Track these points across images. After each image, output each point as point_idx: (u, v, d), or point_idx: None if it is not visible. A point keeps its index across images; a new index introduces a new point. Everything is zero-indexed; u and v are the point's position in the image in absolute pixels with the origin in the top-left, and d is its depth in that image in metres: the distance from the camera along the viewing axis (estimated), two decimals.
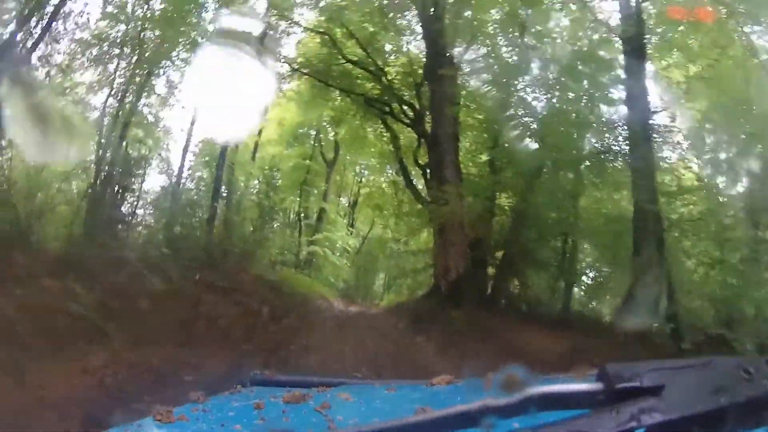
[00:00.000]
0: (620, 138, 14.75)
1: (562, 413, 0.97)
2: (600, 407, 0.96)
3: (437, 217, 13.96)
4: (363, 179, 31.80)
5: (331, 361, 9.97)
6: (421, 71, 17.87)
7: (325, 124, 26.95)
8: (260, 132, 26.75)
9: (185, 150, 21.70)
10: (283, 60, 20.93)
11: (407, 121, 18.87)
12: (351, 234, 29.95)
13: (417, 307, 15.62)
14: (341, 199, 31.89)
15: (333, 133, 27.66)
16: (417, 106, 18.23)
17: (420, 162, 18.84)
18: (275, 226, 23.85)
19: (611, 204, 15.46)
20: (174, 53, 20.61)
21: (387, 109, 19.04)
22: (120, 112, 18.88)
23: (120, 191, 18.11)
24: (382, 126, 20.64)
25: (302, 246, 26.17)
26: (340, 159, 30.43)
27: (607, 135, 15.09)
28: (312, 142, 29.13)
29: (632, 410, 0.92)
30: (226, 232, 19.50)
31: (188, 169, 21.29)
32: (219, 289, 11.76)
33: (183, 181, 21.38)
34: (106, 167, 17.77)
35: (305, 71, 20.58)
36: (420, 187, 19.27)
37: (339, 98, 21.12)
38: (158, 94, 20.43)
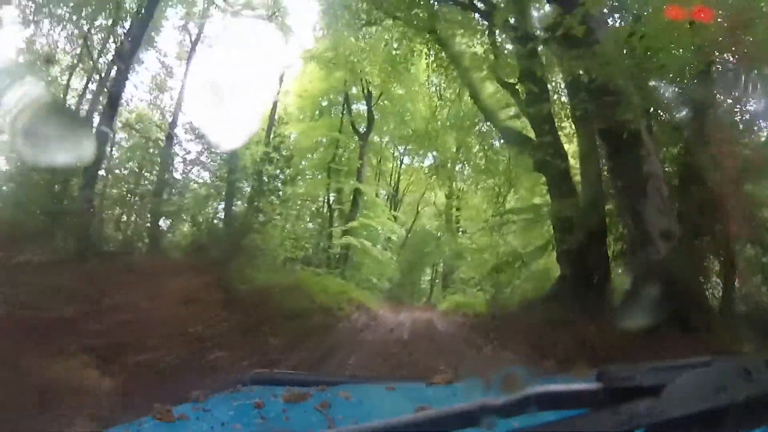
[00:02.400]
0: None
1: (562, 413, 0.88)
2: (600, 407, 0.88)
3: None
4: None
5: None
6: None
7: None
8: (274, 107, 18.65)
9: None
10: None
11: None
12: (395, 220, 21.85)
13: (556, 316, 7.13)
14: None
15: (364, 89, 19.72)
16: None
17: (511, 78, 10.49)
18: (287, 213, 15.94)
19: None
20: None
21: None
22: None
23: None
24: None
25: (334, 238, 18.11)
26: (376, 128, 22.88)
27: None
28: (341, 112, 21.26)
29: (632, 410, 0.85)
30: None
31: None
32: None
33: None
34: None
35: None
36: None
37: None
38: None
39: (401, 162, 27.03)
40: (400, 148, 26.00)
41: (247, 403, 1.49)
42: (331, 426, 1.30)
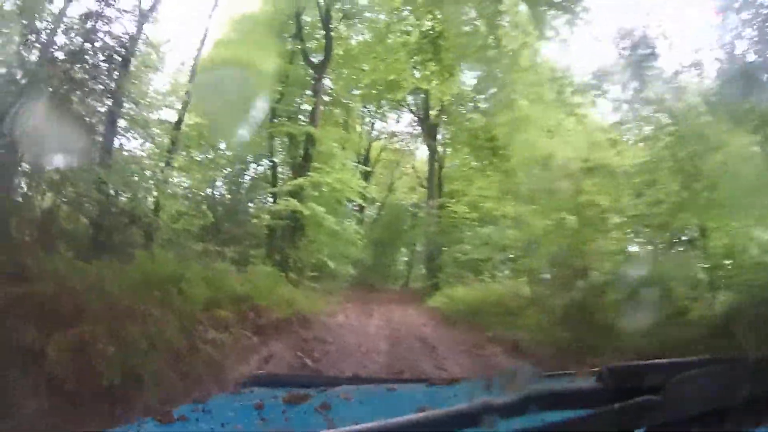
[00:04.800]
0: None
1: (563, 413, 0.84)
2: (600, 407, 0.82)
3: None
4: None
5: None
6: None
7: None
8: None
9: None
10: None
11: None
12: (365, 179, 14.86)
13: None
14: None
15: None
16: None
17: None
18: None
19: None
20: None
21: None
22: None
23: None
24: None
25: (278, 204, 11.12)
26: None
27: None
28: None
29: (632, 410, 0.80)
30: None
31: None
32: None
33: None
34: None
35: None
36: None
37: None
38: None
39: (372, 124, 20.70)
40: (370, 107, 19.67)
41: (248, 404, 1.39)
42: (331, 427, 1.20)
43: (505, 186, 8.68)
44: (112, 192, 7.62)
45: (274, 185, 12.57)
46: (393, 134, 20.94)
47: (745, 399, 0.80)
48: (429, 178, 16.96)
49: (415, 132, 20.18)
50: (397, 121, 20.57)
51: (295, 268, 9.65)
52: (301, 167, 11.93)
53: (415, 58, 9.38)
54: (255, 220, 12.22)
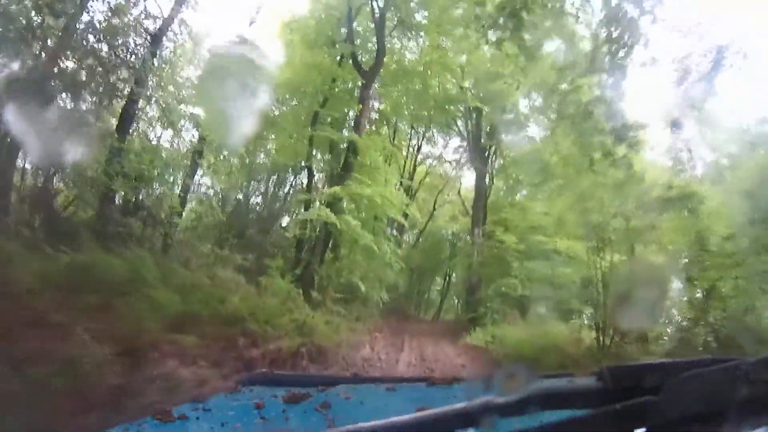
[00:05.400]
0: None
1: (563, 413, 0.82)
2: (600, 407, 0.80)
3: None
4: None
5: None
6: None
7: None
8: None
9: None
10: None
11: None
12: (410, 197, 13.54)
13: None
14: None
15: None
16: None
17: None
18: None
19: None
20: None
21: None
22: None
23: None
24: None
25: (308, 213, 9.87)
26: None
27: None
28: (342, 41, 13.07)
29: (632, 410, 0.77)
30: None
31: None
32: None
33: None
34: None
35: None
36: None
37: None
38: None
39: (419, 146, 19.49)
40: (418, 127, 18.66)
41: (248, 403, 1.37)
42: (331, 426, 1.17)
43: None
44: (118, 180, 6.52)
45: (309, 191, 11.36)
46: (440, 157, 19.92)
47: (745, 399, 0.77)
48: (475, 204, 15.58)
49: (462, 158, 19.11)
50: (445, 146, 19.62)
51: (319, 287, 8.31)
52: (339, 177, 10.66)
53: (489, 35, 7.41)
54: (284, 232, 11.03)
